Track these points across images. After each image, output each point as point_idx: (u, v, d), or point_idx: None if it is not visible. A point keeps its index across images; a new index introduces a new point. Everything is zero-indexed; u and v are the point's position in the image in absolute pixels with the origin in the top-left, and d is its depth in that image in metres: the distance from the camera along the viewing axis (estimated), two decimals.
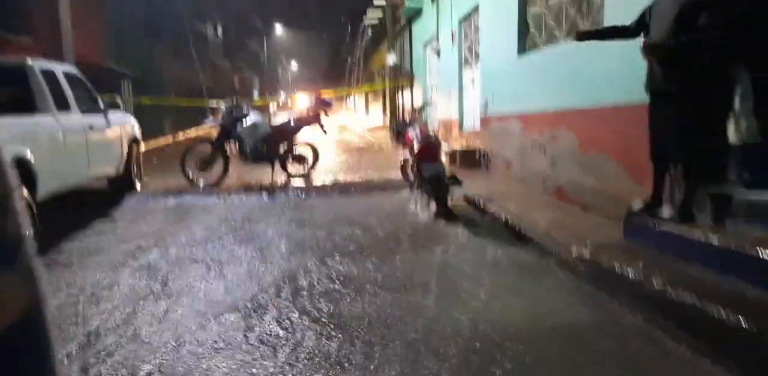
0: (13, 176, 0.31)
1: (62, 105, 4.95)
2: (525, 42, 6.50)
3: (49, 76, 4.93)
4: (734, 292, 2.62)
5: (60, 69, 5.37)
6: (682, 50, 3.21)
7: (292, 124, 7.97)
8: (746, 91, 3.32)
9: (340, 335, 2.62)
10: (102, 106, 5.90)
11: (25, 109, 4.57)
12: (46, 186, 4.38)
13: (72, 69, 5.81)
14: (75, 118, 5.13)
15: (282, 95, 36.90)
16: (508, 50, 6.78)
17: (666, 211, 3.40)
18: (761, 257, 2.60)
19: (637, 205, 3.71)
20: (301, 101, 28.06)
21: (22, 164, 4.00)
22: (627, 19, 4.00)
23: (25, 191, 3.99)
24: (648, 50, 3.36)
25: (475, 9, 8.67)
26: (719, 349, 2.32)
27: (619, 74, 4.08)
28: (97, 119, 5.59)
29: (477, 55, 8.82)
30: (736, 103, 3.44)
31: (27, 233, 0.32)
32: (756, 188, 3.22)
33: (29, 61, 4.80)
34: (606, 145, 4.54)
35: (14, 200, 0.30)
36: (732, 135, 3.44)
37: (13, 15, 9.90)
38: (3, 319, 0.29)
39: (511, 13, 6.66)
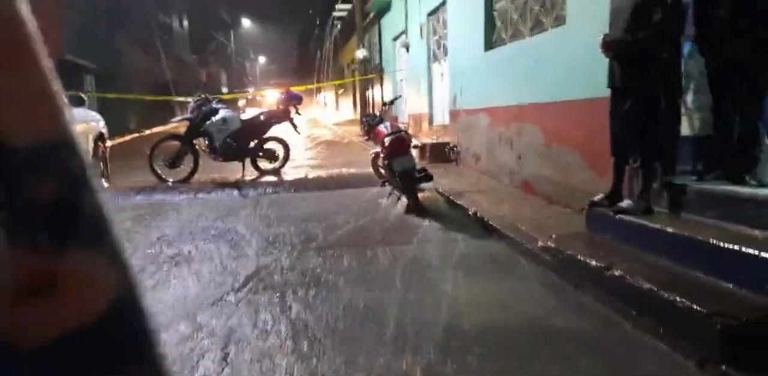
0: (88, 157, 0.31)
1: None
2: (492, 37, 6.62)
3: None
4: (688, 278, 2.77)
5: None
6: (638, 46, 3.35)
7: (262, 118, 7.93)
8: (698, 85, 3.49)
9: (310, 332, 2.68)
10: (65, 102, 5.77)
11: None
12: None
13: None
14: None
15: (251, 90, 36.44)
16: (476, 45, 6.89)
17: (626, 202, 3.55)
18: (713, 245, 2.75)
19: (599, 197, 3.86)
20: (271, 97, 27.82)
21: None
22: (589, 15, 4.14)
23: None
24: (606, 47, 3.49)
25: (443, 3, 8.75)
26: (673, 331, 2.47)
27: (582, 69, 4.21)
28: None
29: (446, 50, 8.91)
30: (689, 96, 3.62)
31: (108, 212, 0.30)
32: (708, 178, 3.39)
33: None
34: (569, 139, 4.68)
35: (92, 178, 0.29)
36: (685, 128, 3.62)
37: None
38: (96, 306, 0.29)
39: (478, 8, 6.76)
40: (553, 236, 3.76)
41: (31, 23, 0.30)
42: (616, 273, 2.94)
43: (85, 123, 6.23)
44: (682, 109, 3.58)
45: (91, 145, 6.36)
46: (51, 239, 0.27)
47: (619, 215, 3.46)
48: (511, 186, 5.97)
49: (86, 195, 0.29)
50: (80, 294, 0.28)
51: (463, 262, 3.75)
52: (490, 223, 4.47)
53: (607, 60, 3.55)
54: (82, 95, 6.34)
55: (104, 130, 6.97)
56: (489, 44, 6.63)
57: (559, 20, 4.98)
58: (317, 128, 18.20)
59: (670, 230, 3.07)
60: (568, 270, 3.32)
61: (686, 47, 3.52)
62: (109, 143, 7.37)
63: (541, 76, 5.18)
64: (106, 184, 6.84)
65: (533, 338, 2.59)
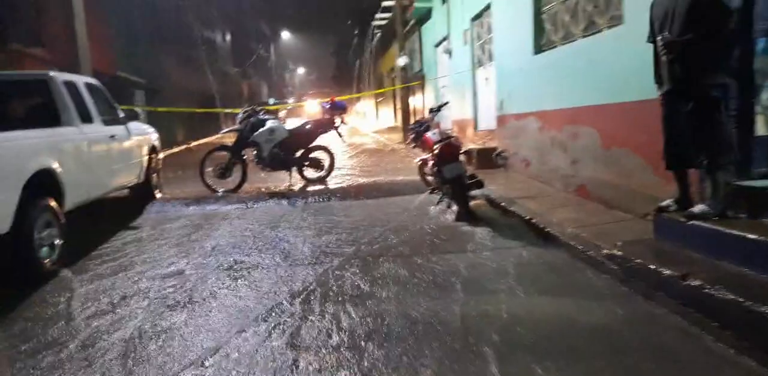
0: None
1: (85, 117, 5.00)
2: (541, 40, 6.47)
3: (72, 88, 4.98)
4: None
5: (81, 81, 5.43)
6: (699, 43, 3.18)
7: (308, 128, 7.98)
8: None
9: (373, 341, 2.62)
10: (122, 116, 5.95)
11: (49, 121, 4.62)
12: (73, 197, 4.42)
13: (93, 80, 5.87)
14: (98, 129, 5.17)
15: (290, 101, 37.03)
16: (524, 48, 6.75)
17: (698, 207, 3.35)
18: None
19: (667, 202, 3.67)
20: (311, 106, 28.15)
21: (49, 176, 4.05)
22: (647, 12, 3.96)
23: (53, 202, 4.03)
24: (668, 47, 3.33)
25: (487, 8, 8.64)
26: (762, 345, 2.29)
27: (643, 69, 4.03)
28: (118, 130, 5.64)
29: (491, 54, 8.79)
30: (765, 94, 3.40)
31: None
32: None
33: (51, 74, 4.86)
34: (630, 141, 4.49)
35: None
36: (761, 127, 3.40)
37: (27, 28, 10.04)
38: None
39: (525, 11, 6.63)
40: (618, 243, 3.59)
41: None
42: (694, 283, 2.77)
43: (140, 136, 6.40)
44: (758, 108, 3.37)
45: (145, 157, 6.53)
46: None
47: (692, 221, 3.27)
48: (565, 191, 5.78)
49: None
50: None
51: (521, 271, 3.62)
52: (547, 230, 4.32)
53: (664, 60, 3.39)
54: (137, 109, 6.51)
55: (157, 143, 7.16)
56: (538, 47, 6.48)
57: (615, 20, 4.81)
58: (358, 136, 18.28)
59: (751, 236, 2.87)
60: (638, 280, 3.15)
61: (760, 43, 3.31)
62: (161, 155, 7.55)
63: (596, 78, 5.01)
64: (159, 195, 7.00)
65: (604, 351, 2.45)
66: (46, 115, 4.69)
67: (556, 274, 3.55)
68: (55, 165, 4.10)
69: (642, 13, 4.20)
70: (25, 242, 3.62)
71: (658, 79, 3.56)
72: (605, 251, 3.51)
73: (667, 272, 2.97)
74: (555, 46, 6.11)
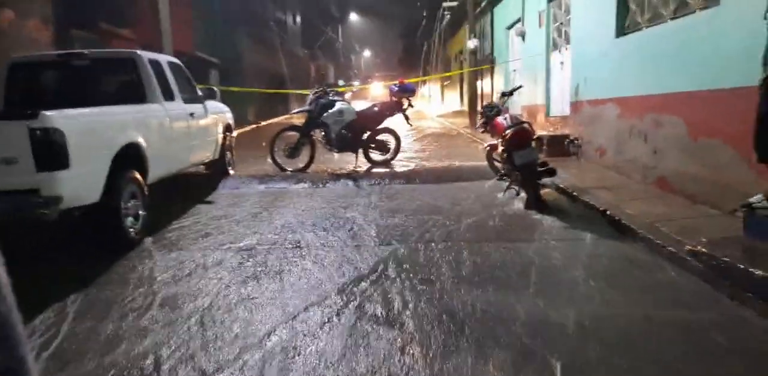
0: None
1: (167, 94, 5.22)
2: (624, 22, 6.12)
3: (156, 66, 5.20)
4: None
5: (165, 60, 5.66)
6: None
7: (375, 110, 7.99)
8: None
9: (438, 329, 2.61)
10: (200, 94, 6.17)
11: (135, 98, 4.85)
12: (155, 170, 4.64)
13: (175, 60, 6.10)
14: (179, 106, 5.39)
15: (356, 83, 37.20)
16: (605, 31, 6.41)
17: None
18: None
19: (756, 197, 3.42)
20: (376, 89, 28.14)
21: (135, 150, 4.26)
22: None
23: (138, 175, 4.25)
24: None
25: None
26: None
27: (741, 54, 3.74)
28: (196, 108, 5.85)
29: (567, 37, 8.42)
30: None
31: (4, 281, 0.34)
32: None
33: (139, 53, 5.08)
34: (721, 132, 4.20)
35: None
36: None
37: (115, 9, 10.54)
38: None
39: None
40: (703, 239, 3.39)
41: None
42: None
43: (216, 114, 6.62)
44: None
45: (220, 135, 6.75)
46: None
47: None
48: (644, 183, 5.50)
49: None
50: None
51: (594, 264, 3.49)
52: (624, 222, 4.13)
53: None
54: (214, 88, 6.72)
55: (231, 122, 7.39)
56: (621, 30, 6.14)
57: (711, 1, 4.47)
58: (424, 120, 18.14)
59: None
60: (725, 279, 2.96)
61: None
62: (234, 133, 7.79)
63: (686, 63, 4.69)
64: (232, 172, 7.25)
65: (688, 354, 2.32)
66: (133, 92, 4.93)
67: (633, 269, 3.40)
68: (141, 140, 4.31)
69: None
70: (113, 212, 3.85)
71: (765, 61, 3.28)
72: (689, 247, 3.32)
73: (759, 272, 2.78)
74: (640, 29, 5.76)
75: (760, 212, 3.33)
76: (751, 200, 3.44)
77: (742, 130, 3.78)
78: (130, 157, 4.16)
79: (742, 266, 2.88)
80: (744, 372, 2.19)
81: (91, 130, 3.77)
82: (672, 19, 5.13)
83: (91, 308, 2.95)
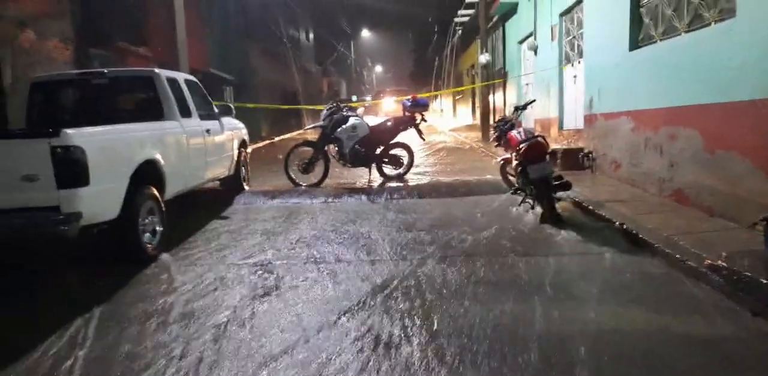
0: None
1: (184, 111, 5.30)
2: (637, 35, 6.13)
3: (174, 84, 5.30)
4: None
5: (182, 77, 5.76)
6: None
7: (389, 125, 8.03)
8: None
9: (454, 347, 2.59)
10: (216, 111, 6.26)
11: (153, 115, 4.94)
12: (173, 186, 4.70)
13: (191, 77, 6.22)
14: (195, 123, 5.47)
15: (368, 98, 37.47)
16: (618, 44, 6.42)
17: None
18: None
19: None
20: (388, 104, 28.29)
21: (152, 166, 4.32)
22: (765, 3, 3.66)
23: (155, 191, 4.31)
24: None
25: (579, 2, 8.30)
26: None
27: (755, 66, 3.73)
28: (212, 124, 5.94)
29: (580, 51, 8.45)
30: None
31: None
32: None
33: (157, 71, 5.19)
34: (738, 144, 4.16)
35: None
36: None
37: (132, 27, 10.78)
38: None
39: (622, 5, 6.30)
40: (723, 253, 3.34)
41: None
42: None
43: (231, 130, 6.70)
44: None
45: (236, 151, 6.83)
46: None
47: None
48: (660, 196, 5.46)
49: None
50: None
51: (612, 278, 3.46)
52: (641, 236, 4.09)
53: None
54: (230, 105, 6.82)
55: (246, 138, 7.47)
56: (634, 43, 6.15)
57: (726, 13, 4.47)
58: (436, 135, 18.17)
59: None
60: (745, 293, 2.92)
61: None
62: (249, 149, 7.87)
63: (701, 76, 4.68)
64: (246, 187, 7.31)
65: (710, 370, 2.28)
66: (150, 109, 5.02)
67: (650, 283, 3.36)
68: (159, 156, 4.38)
69: (758, 5, 3.88)
70: (131, 227, 3.90)
71: None
72: (708, 262, 3.28)
73: None
74: (654, 42, 5.77)
75: None
76: None
77: (759, 143, 3.76)
78: (148, 174, 4.22)
79: (764, 281, 2.84)
80: None
81: (111, 148, 3.84)
82: (686, 32, 5.13)
83: (109, 324, 2.98)
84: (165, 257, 4.23)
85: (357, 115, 8.01)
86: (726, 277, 3.08)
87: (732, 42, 4.23)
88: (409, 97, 8.46)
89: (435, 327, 2.76)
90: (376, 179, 7.85)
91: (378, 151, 7.87)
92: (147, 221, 4.15)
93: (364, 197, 6.66)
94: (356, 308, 3.08)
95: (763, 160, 3.73)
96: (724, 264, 3.17)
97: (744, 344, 2.50)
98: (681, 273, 3.43)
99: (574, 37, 8.99)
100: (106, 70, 5.34)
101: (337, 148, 7.77)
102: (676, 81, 5.15)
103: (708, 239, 3.77)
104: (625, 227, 4.38)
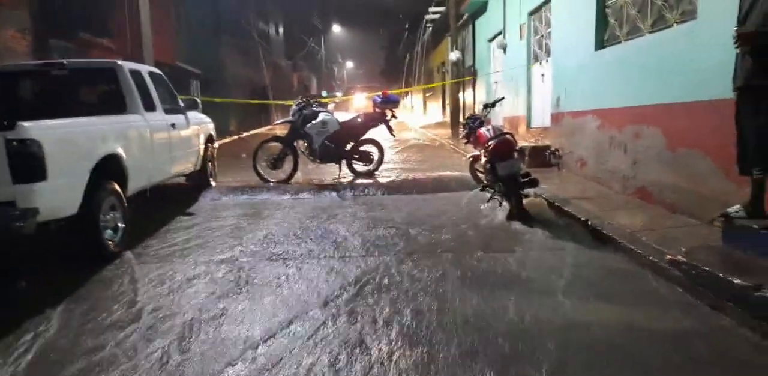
0: None
1: (148, 105, 5.16)
2: (603, 35, 6.24)
3: (137, 77, 5.15)
4: None
5: (146, 70, 5.61)
6: None
7: (359, 121, 8.00)
8: None
9: (423, 342, 2.59)
10: (182, 105, 6.11)
11: (115, 108, 4.79)
12: (135, 182, 4.58)
13: (155, 70, 6.05)
14: (159, 117, 5.33)
15: (339, 94, 37.28)
16: (585, 44, 6.53)
17: None
18: None
19: (734, 208, 3.49)
20: (359, 100, 28.21)
21: (114, 161, 4.20)
22: (725, 9, 3.76)
23: (117, 187, 4.18)
24: (742, 40, 3.14)
25: (546, 1, 8.41)
26: None
27: (718, 67, 3.83)
28: (178, 119, 5.80)
29: (548, 50, 8.56)
30: None
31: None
32: None
33: (119, 63, 5.03)
34: (700, 143, 4.28)
35: None
36: None
37: (95, 18, 10.45)
38: None
39: (588, 5, 6.40)
40: (683, 249, 3.43)
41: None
42: None
43: (197, 125, 6.56)
44: None
45: (202, 146, 6.69)
46: None
47: (765, 230, 3.09)
48: (624, 193, 5.58)
49: None
50: None
51: (577, 274, 3.51)
52: (605, 232, 4.17)
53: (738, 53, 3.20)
54: (196, 99, 6.67)
55: (213, 133, 7.33)
56: (600, 43, 6.26)
57: (687, 15, 4.58)
58: (407, 131, 18.20)
59: None
60: (704, 288, 3.00)
61: None
62: (216, 144, 7.72)
63: (664, 76, 4.79)
64: (213, 183, 7.17)
65: (670, 363, 2.33)
66: (113, 102, 4.87)
67: (614, 278, 3.43)
68: (121, 151, 4.25)
69: (718, 8, 3.99)
70: (92, 224, 3.77)
71: (736, 74, 3.37)
72: (669, 257, 3.36)
73: (738, 281, 2.82)
74: (619, 42, 5.89)
75: (738, 221, 3.39)
76: (729, 210, 3.51)
77: (719, 142, 3.87)
78: (109, 169, 4.09)
79: (721, 275, 2.92)
80: None
81: (70, 142, 3.71)
82: (650, 32, 5.25)
83: (69, 323, 2.88)
84: (127, 254, 4.11)
85: (327, 111, 7.95)
86: (686, 272, 3.17)
87: (693, 43, 4.34)
88: (380, 93, 8.44)
89: (404, 323, 2.76)
90: (346, 175, 7.81)
91: (348, 147, 7.83)
92: (108, 217, 4.03)
93: (333, 194, 6.62)
94: (324, 305, 3.05)
95: (723, 159, 3.84)
96: (684, 259, 3.25)
97: (703, 337, 2.56)
98: (643, 268, 3.51)
99: (542, 36, 9.11)
100: (65, 62, 5.15)
101: (306, 144, 7.70)
102: (640, 80, 5.26)
103: (669, 235, 3.87)
104: (590, 223, 4.46)
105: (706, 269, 3.06)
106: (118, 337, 2.68)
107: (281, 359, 2.41)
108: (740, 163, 3.38)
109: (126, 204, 4.31)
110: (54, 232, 3.68)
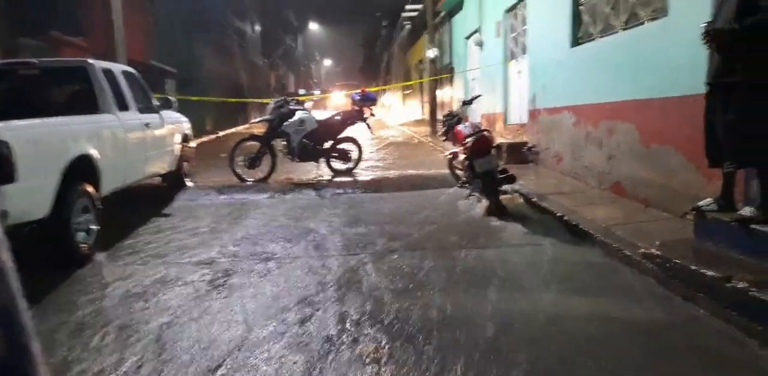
0: None
1: (122, 104, 5.07)
2: (578, 32, 6.32)
3: (109, 75, 5.05)
4: None
5: (118, 69, 5.50)
6: (747, 35, 3.03)
7: (337, 119, 7.98)
8: None
9: (404, 338, 2.59)
10: (156, 104, 6.02)
11: (87, 108, 4.69)
12: (108, 183, 4.49)
13: (129, 68, 5.94)
14: (133, 117, 5.23)
15: (317, 92, 37.09)
16: (560, 41, 6.61)
17: (747, 209, 3.23)
18: None
19: (705, 201, 3.56)
20: (337, 98, 28.13)
21: (87, 162, 4.11)
22: (696, 6, 3.84)
23: (90, 188, 4.10)
24: (709, 37, 3.20)
25: None
26: None
27: (689, 63, 3.91)
28: (152, 118, 5.70)
29: (524, 47, 8.64)
30: None
31: (8, 266, 0.30)
32: None
33: (90, 62, 4.92)
34: (672, 138, 4.36)
35: None
36: None
37: (66, 16, 10.21)
38: None
39: (563, 3, 6.47)
40: (657, 242, 3.49)
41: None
42: (739, 285, 2.68)
43: (173, 124, 6.46)
44: None
45: (177, 145, 6.59)
46: None
47: (737, 223, 3.16)
48: (599, 188, 5.66)
49: None
50: None
51: (554, 268, 3.56)
52: (581, 227, 4.23)
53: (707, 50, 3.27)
54: (171, 98, 6.57)
55: (189, 132, 7.23)
56: (575, 40, 6.34)
57: (659, 12, 4.66)
58: (385, 129, 18.22)
59: None
60: (677, 280, 3.06)
61: None
62: (193, 143, 7.62)
63: (637, 72, 4.87)
64: (190, 184, 7.08)
65: (645, 353, 2.38)
66: (85, 102, 4.76)
67: (590, 272, 3.48)
68: (93, 151, 4.16)
69: (688, 5, 4.07)
70: (63, 227, 3.69)
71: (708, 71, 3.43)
72: (643, 250, 3.42)
73: (710, 273, 2.88)
74: (593, 39, 5.97)
75: (709, 214, 3.46)
76: (701, 203, 3.57)
77: (691, 137, 3.94)
78: (82, 170, 4.01)
79: (693, 267, 2.98)
80: (696, 369, 2.26)
81: (40, 142, 3.62)
82: (624, 29, 5.33)
83: (38, 329, 2.81)
84: (100, 257, 4.03)
85: (305, 109, 7.91)
86: (659, 265, 3.23)
87: (664, 40, 4.42)
88: (359, 91, 8.42)
89: (384, 319, 2.76)
90: (325, 174, 7.78)
91: (326, 145, 7.81)
92: (81, 219, 3.94)
93: (312, 192, 6.59)
94: (303, 304, 3.03)
95: (694, 154, 3.92)
96: (657, 253, 3.31)
97: (677, 328, 2.62)
98: (618, 262, 3.57)
99: (518, 33, 9.18)
100: (35, 61, 5.02)
101: (284, 143, 7.65)
102: (614, 77, 5.34)
103: (643, 229, 3.94)
104: (566, 218, 4.52)
105: (679, 261, 3.12)
106: (89, 344, 2.62)
107: (260, 360, 2.38)
108: (709, 157, 3.45)
109: (99, 206, 4.22)
110: (24, 235, 3.59)
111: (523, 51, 8.73)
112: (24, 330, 0.29)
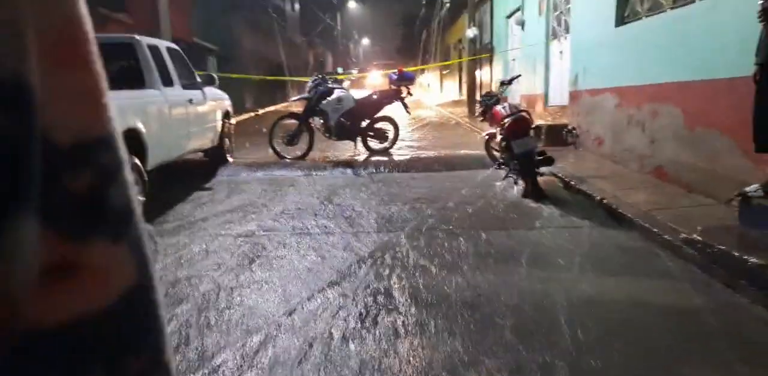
0: (124, 149, 0.31)
1: (166, 80, 5.20)
2: (624, 11, 6.11)
3: (155, 52, 5.18)
4: None
5: (163, 45, 5.63)
6: None
7: (375, 98, 7.98)
8: None
9: (437, 312, 2.64)
10: (198, 81, 6.15)
11: (134, 83, 4.84)
12: (155, 156, 4.65)
13: (173, 45, 6.07)
14: (177, 92, 5.38)
15: (354, 71, 37.00)
16: (605, 20, 6.40)
17: None
18: None
19: (752, 187, 3.46)
20: (374, 77, 27.97)
21: (134, 136, 4.26)
22: None
23: (136, 161, 4.26)
24: (765, 13, 3.06)
25: None
26: None
27: (739, 44, 3.75)
28: (195, 94, 5.84)
29: (567, 26, 8.40)
30: None
31: (137, 206, 0.31)
32: None
33: (138, 38, 5.06)
34: (718, 122, 4.22)
35: (125, 171, 0.30)
36: None
37: None
38: (109, 295, 0.29)
39: None
40: (699, 228, 3.42)
41: (88, 24, 0.30)
42: None
43: (215, 101, 6.60)
44: None
45: (219, 122, 6.74)
46: (78, 227, 0.28)
47: None
48: (641, 172, 5.54)
49: (116, 189, 0.30)
50: (96, 281, 0.29)
51: (591, 251, 3.53)
52: (620, 211, 4.17)
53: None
54: (214, 75, 6.70)
55: (230, 109, 7.37)
56: (621, 19, 6.13)
57: None
58: (422, 109, 18.10)
59: None
60: (719, 267, 3.01)
61: None
62: (233, 121, 7.77)
63: (684, 53, 4.70)
64: (230, 159, 7.25)
65: (682, 338, 2.37)
66: (131, 77, 4.91)
67: (628, 256, 3.44)
68: (140, 125, 4.31)
69: None
70: None
71: (758, 52, 3.30)
72: (684, 236, 3.36)
73: (754, 260, 2.82)
74: (640, 18, 5.76)
75: (755, 201, 3.37)
76: (747, 189, 3.48)
77: (738, 120, 3.81)
78: (129, 143, 4.15)
79: (736, 254, 2.92)
80: (732, 354, 2.24)
81: None
82: (672, 8, 5.13)
83: None
84: (147, 227, 4.20)
85: (343, 88, 7.93)
86: (700, 250, 3.17)
87: (714, 20, 4.24)
88: (396, 70, 8.38)
89: (418, 296, 2.81)
90: (361, 153, 7.83)
91: (363, 124, 7.83)
92: None
93: (348, 170, 6.66)
94: (340, 278, 3.11)
95: (741, 138, 3.80)
96: (699, 238, 3.25)
97: (716, 314, 2.59)
98: (658, 247, 3.52)
99: (561, 12, 8.93)
100: None
101: (322, 121, 7.72)
102: (660, 58, 5.16)
103: (685, 214, 3.86)
104: (605, 201, 4.46)
105: (721, 247, 3.06)
106: None
107: (298, 331, 2.48)
108: (757, 141, 3.34)
109: (146, 178, 4.39)
110: None
111: (566, 30, 8.50)
112: (151, 261, 0.32)
